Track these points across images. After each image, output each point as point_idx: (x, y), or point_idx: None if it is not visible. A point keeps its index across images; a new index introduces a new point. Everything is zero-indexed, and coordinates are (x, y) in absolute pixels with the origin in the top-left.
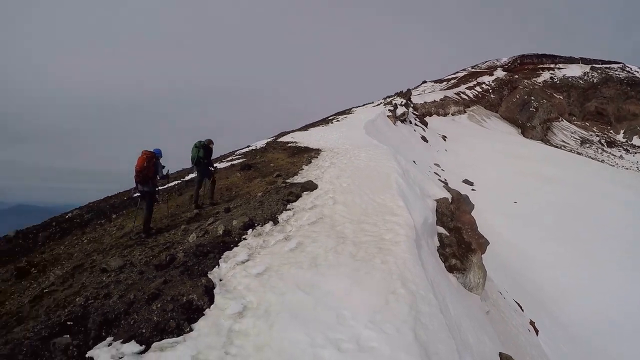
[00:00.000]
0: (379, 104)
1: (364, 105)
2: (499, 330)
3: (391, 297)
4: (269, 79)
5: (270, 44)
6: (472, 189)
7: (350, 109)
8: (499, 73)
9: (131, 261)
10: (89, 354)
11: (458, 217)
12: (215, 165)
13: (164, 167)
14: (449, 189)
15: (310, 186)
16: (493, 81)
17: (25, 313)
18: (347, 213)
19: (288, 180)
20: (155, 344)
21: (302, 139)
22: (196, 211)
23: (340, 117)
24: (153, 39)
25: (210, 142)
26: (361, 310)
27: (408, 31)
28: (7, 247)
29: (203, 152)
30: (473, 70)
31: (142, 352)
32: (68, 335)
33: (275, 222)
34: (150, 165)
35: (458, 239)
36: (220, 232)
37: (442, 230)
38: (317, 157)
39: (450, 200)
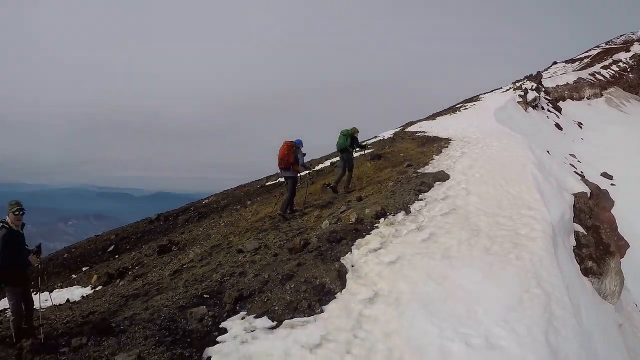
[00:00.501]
0: (508, 90)
1: (492, 91)
2: (630, 347)
3: (525, 296)
4: (395, 68)
5: (392, 33)
6: (612, 184)
7: (478, 96)
8: (637, 48)
9: (266, 244)
10: (223, 324)
11: (597, 215)
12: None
13: (305, 155)
14: (587, 183)
15: (443, 177)
16: (631, 58)
17: (166, 285)
18: (481, 205)
19: (419, 171)
20: (286, 322)
21: (431, 128)
22: (334, 195)
23: (468, 104)
24: (286, 37)
25: (355, 131)
26: (493, 307)
27: (534, 7)
28: (150, 227)
29: (350, 141)
30: (608, 46)
31: (273, 328)
32: (204, 307)
33: (408, 212)
34: (290, 154)
35: (596, 239)
36: (353, 220)
37: (579, 228)
38: (447, 147)
39: (589, 195)
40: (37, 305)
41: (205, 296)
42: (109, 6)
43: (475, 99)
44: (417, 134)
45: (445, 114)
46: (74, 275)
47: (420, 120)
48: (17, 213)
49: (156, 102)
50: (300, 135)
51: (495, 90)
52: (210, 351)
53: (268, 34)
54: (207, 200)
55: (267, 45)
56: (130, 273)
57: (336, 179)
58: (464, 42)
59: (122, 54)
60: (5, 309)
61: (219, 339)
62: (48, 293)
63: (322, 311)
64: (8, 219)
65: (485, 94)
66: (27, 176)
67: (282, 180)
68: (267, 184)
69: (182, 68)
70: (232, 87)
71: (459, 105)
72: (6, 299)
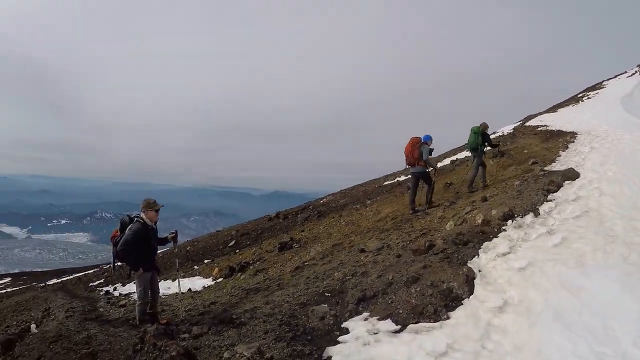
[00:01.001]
0: (633, 74)
1: (615, 76)
2: None
3: None
4: (512, 58)
5: (505, 23)
6: None
7: (601, 82)
8: None
9: (388, 244)
10: (344, 324)
11: None
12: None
13: (432, 150)
14: None
15: (572, 174)
16: None
17: (286, 280)
18: (616, 206)
19: (546, 168)
20: (411, 326)
21: (552, 121)
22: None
23: (591, 92)
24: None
25: (485, 126)
26: (631, 323)
27: None
28: (269, 224)
29: (481, 138)
30: None
31: (397, 332)
32: (326, 305)
33: (536, 213)
34: (415, 149)
35: None
36: (479, 221)
37: None
38: (573, 142)
39: None
40: (160, 292)
41: (326, 294)
42: (237, 12)
43: (597, 86)
44: (539, 128)
45: (567, 105)
46: (195, 267)
47: (540, 113)
48: (157, 210)
49: (269, 102)
50: (419, 132)
51: (618, 75)
52: (330, 350)
53: (387, 30)
54: (325, 199)
55: (385, 41)
56: (251, 267)
57: (470, 178)
58: (582, 25)
59: (242, 56)
60: (130, 293)
61: (339, 338)
62: (170, 281)
63: (448, 317)
64: (143, 215)
65: (608, 80)
66: (153, 176)
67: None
68: (385, 183)
69: (296, 66)
70: (347, 86)
71: (580, 95)
72: (133, 284)
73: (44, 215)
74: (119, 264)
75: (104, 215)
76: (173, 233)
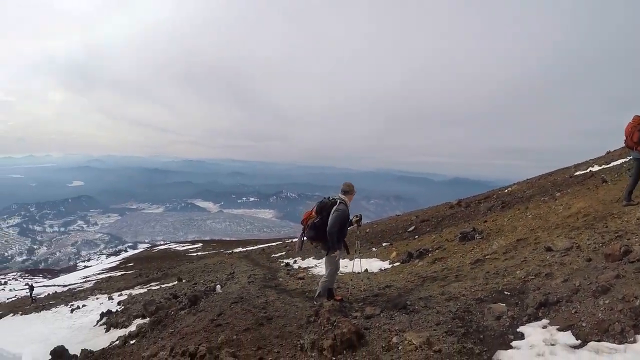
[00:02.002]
0: None
1: None
2: None
3: None
4: None
5: None
6: None
7: None
8: None
9: (578, 245)
10: (520, 328)
11: None
12: None
13: None
14: None
15: None
16: None
17: (465, 273)
18: None
19: None
20: (592, 343)
21: None
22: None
23: None
24: None
25: None
26: None
27: None
28: (450, 212)
29: None
30: None
31: (576, 347)
32: (504, 304)
33: None
34: (634, 131)
35: None
36: None
37: None
38: None
39: None
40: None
41: (505, 292)
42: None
43: None
44: None
45: None
46: (373, 249)
47: None
48: (354, 192)
49: (447, 85)
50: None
51: None
52: (502, 354)
53: None
54: (509, 189)
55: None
56: (429, 255)
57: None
58: None
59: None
60: (309, 267)
61: (513, 343)
62: (348, 260)
63: (635, 341)
64: (345, 198)
65: None
66: (336, 160)
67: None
68: (576, 173)
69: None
70: (526, 63)
71: None
72: (312, 259)
73: (234, 193)
74: (313, 243)
75: (288, 195)
76: (358, 217)
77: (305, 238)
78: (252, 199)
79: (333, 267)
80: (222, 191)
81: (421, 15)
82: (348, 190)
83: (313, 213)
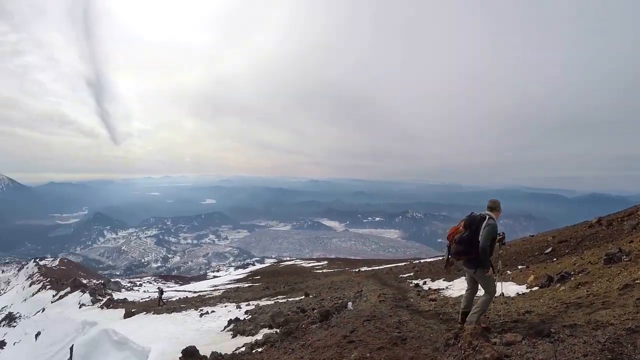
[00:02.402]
0: None
1: None
2: None
3: None
4: None
5: None
6: None
7: None
8: None
9: None
10: None
11: None
12: None
13: None
14: None
15: None
16: None
17: (612, 299)
18: None
19: None
20: None
21: None
22: None
23: None
24: None
25: None
26: None
27: None
28: (590, 232)
29: None
30: None
31: None
32: None
33: None
34: None
35: None
36: None
37: None
38: None
39: None
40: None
41: None
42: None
43: None
44: None
45: None
46: (508, 272)
47: None
48: (500, 210)
49: (579, 96)
50: None
51: None
52: None
53: None
54: None
55: None
56: (571, 279)
57: None
58: None
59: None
60: (439, 289)
61: None
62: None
63: None
64: (492, 214)
65: None
66: (462, 177)
67: None
68: None
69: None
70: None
71: None
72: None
73: (360, 212)
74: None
75: (414, 215)
76: (501, 235)
77: (450, 255)
78: (377, 219)
79: (492, 287)
80: (347, 210)
81: (556, 21)
82: (494, 207)
83: (460, 227)
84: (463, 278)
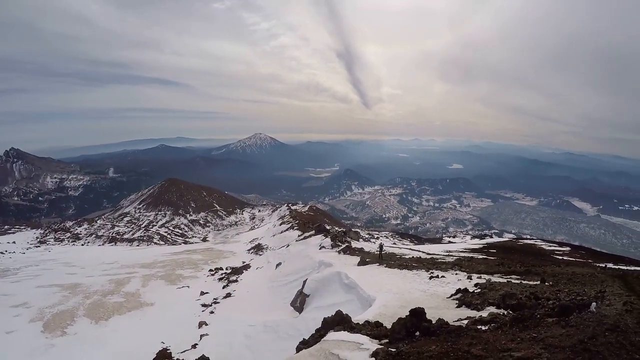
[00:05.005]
0: None
1: None
2: None
3: None
4: None
5: None
6: None
7: None
8: None
9: None
10: None
11: None
12: None
13: None
14: None
15: None
16: None
17: None
18: None
19: None
20: None
21: None
22: None
23: None
24: None
25: None
26: None
27: None
28: None
29: None
30: None
31: None
32: None
33: None
34: None
35: None
36: None
37: None
38: None
39: None
40: None
41: None
42: None
43: None
44: None
45: None
46: None
47: None
48: None
49: None
50: None
51: None
52: None
53: None
54: None
55: None
56: None
57: None
58: None
59: None
60: None
61: None
62: None
63: None
64: None
65: None
66: None
67: None
68: None
69: None
70: None
71: None
72: None
73: (617, 197)
74: None
75: None
76: None
77: None
78: (635, 208)
79: None
80: (602, 192)
81: None
82: None
83: None
84: None
